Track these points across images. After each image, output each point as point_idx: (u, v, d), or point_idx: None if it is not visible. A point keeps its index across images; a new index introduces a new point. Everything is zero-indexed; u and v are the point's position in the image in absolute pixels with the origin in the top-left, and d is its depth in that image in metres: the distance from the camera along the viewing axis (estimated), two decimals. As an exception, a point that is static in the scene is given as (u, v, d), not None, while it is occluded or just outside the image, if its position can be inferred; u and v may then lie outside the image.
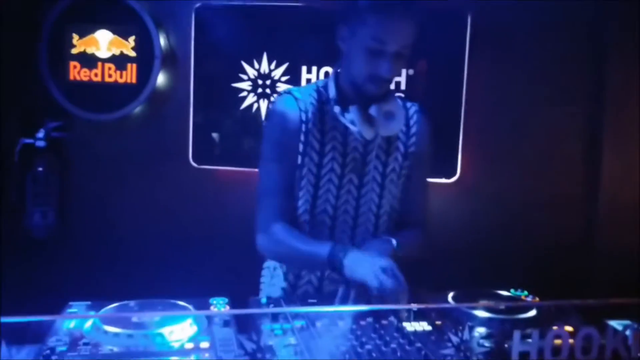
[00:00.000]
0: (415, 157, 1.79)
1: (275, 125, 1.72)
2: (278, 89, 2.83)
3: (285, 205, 1.73)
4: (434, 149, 1.85)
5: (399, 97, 1.83)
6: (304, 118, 1.69)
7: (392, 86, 2.78)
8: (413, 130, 1.79)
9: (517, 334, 1.10)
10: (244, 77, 2.85)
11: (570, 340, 1.10)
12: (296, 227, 1.74)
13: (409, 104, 1.83)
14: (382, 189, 1.77)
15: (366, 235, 1.77)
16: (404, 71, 2.84)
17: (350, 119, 1.65)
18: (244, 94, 2.86)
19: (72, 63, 2.74)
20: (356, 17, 1.59)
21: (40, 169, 2.63)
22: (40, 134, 2.63)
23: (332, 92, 1.71)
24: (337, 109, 1.68)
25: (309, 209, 1.74)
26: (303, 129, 1.69)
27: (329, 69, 2.76)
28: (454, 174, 2.90)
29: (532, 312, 1.40)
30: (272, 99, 2.84)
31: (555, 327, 1.11)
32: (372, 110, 1.65)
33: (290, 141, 1.70)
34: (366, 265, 1.49)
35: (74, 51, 2.73)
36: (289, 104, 1.71)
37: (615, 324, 1.36)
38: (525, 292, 1.59)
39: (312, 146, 1.70)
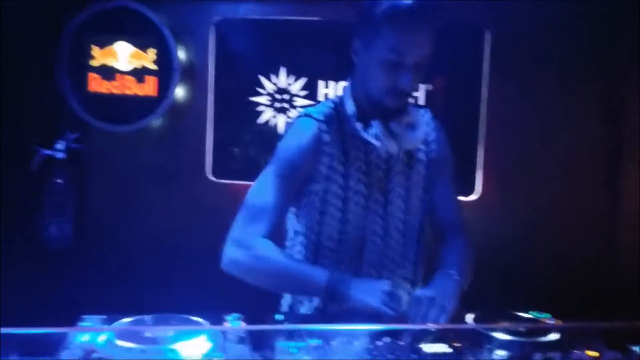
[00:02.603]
0: (437, 163, 1.76)
1: (291, 146, 1.64)
2: (296, 104, 2.83)
3: (276, 224, 1.60)
4: (453, 153, 1.83)
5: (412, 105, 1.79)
6: (326, 139, 1.62)
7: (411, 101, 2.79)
8: (431, 137, 1.76)
9: (537, 357, 1.07)
10: (262, 91, 2.85)
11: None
12: (315, 254, 1.68)
13: (422, 111, 1.77)
14: (408, 204, 1.72)
15: (394, 255, 1.72)
16: (422, 86, 2.82)
17: (374, 134, 1.59)
18: (262, 108, 2.86)
19: (92, 75, 2.76)
20: (371, 29, 1.52)
21: (59, 180, 2.64)
22: (60, 146, 2.65)
23: (350, 108, 1.65)
24: (359, 125, 1.61)
25: (334, 235, 1.66)
26: (327, 150, 1.62)
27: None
28: (472, 192, 2.86)
29: (554, 335, 1.36)
30: (289, 113, 2.84)
31: (577, 351, 1.08)
32: (394, 124, 1.60)
33: (305, 165, 1.62)
34: (372, 293, 1.46)
35: (93, 63, 2.75)
36: (310, 127, 1.63)
37: (641, 349, 1.31)
38: (548, 315, 1.54)
39: (335, 169, 1.63)
